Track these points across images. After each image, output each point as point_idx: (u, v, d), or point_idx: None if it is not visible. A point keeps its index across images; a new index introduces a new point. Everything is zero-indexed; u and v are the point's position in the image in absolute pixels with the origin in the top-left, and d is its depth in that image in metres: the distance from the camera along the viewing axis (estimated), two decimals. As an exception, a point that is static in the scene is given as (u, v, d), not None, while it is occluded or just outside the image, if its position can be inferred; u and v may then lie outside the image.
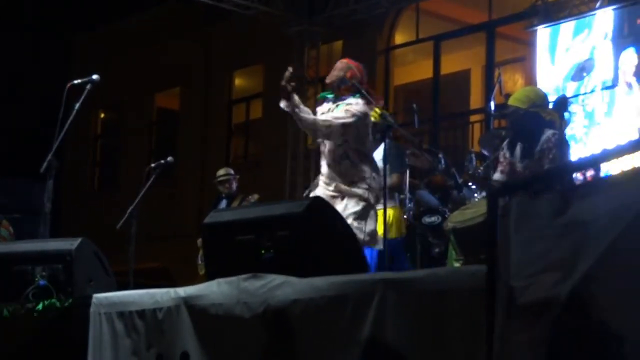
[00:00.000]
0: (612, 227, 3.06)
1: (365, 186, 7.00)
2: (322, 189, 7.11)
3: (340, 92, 7.15)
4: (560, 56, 13.37)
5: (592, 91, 12.37)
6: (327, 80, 7.29)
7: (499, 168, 7.54)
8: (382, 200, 7.24)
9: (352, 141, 6.99)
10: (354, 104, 7.01)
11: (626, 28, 12.86)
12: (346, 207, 6.90)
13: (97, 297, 5.86)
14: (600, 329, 3.01)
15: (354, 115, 6.93)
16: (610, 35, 12.80)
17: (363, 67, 7.35)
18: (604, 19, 13.02)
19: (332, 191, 7.03)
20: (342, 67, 7.21)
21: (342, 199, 7.00)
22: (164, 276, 18.16)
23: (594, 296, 3.04)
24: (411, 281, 4.40)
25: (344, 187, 7.00)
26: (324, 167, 7.16)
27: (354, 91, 7.12)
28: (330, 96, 7.27)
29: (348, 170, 7.02)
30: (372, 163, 7.15)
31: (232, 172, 12.36)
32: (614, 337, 2.98)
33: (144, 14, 21.88)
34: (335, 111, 7.06)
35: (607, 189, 3.24)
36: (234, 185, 12.16)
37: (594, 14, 13.09)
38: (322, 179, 7.18)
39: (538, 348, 3.18)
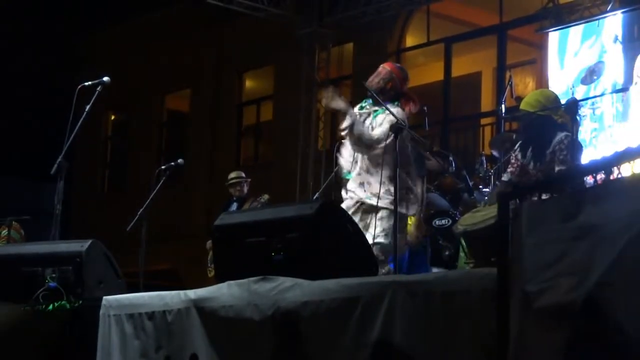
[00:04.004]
0: (625, 232, 3.04)
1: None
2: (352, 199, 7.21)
3: (379, 99, 7.26)
4: (569, 61, 13.36)
5: (602, 94, 12.33)
6: (368, 85, 7.35)
7: (509, 169, 7.51)
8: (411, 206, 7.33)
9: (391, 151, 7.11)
10: (395, 113, 7.10)
11: (636, 31, 12.82)
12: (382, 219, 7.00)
13: (107, 299, 5.86)
14: (618, 334, 2.99)
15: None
16: (620, 37, 12.77)
17: (403, 73, 7.58)
18: (613, 21, 12.99)
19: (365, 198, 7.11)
20: (384, 75, 7.32)
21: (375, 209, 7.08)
22: (173, 278, 18.16)
23: (610, 301, 3.03)
24: (421, 283, 4.39)
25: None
26: (361, 175, 7.22)
27: (392, 99, 7.27)
28: (368, 101, 7.41)
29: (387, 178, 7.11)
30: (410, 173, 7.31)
31: (243, 175, 12.36)
32: (632, 343, 2.96)
33: (153, 15, 21.89)
34: (373, 120, 7.20)
35: (619, 193, 3.23)
36: (246, 188, 12.17)
37: (605, 17, 13.06)
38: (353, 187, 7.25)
39: (557, 352, 3.16)
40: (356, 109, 7.41)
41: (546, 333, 3.23)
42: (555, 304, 3.20)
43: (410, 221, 8.66)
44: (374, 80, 7.36)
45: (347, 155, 7.46)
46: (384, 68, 7.45)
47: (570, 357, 3.15)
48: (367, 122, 7.27)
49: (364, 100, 7.48)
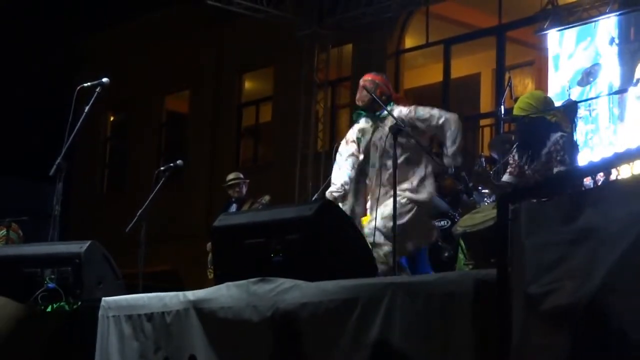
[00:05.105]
0: (627, 234, 3.04)
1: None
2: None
3: (375, 110, 7.40)
4: (564, 62, 13.36)
5: (598, 96, 12.33)
6: (359, 103, 7.52)
7: (508, 170, 7.51)
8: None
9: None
10: (403, 111, 7.27)
11: (632, 33, 12.82)
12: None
13: (106, 300, 5.86)
14: (621, 337, 2.99)
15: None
16: (616, 40, 12.78)
17: (384, 77, 7.71)
18: (608, 23, 12.99)
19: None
20: (369, 87, 7.38)
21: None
22: (173, 278, 18.15)
23: (614, 304, 3.02)
24: (420, 285, 4.39)
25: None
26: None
27: (386, 104, 7.36)
28: (364, 114, 7.52)
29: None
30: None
31: (242, 176, 12.34)
32: (634, 346, 2.96)
33: (153, 15, 21.89)
34: (382, 126, 7.31)
35: (619, 195, 3.22)
36: (244, 190, 12.15)
37: (604, 18, 13.06)
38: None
39: (560, 354, 3.16)
40: (355, 135, 7.49)
41: (550, 335, 3.23)
42: (559, 306, 3.20)
43: None
44: (362, 96, 7.44)
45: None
46: (365, 80, 7.55)
47: (574, 358, 3.15)
48: (376, 135, 7.35)
49: (358, 117, 7.55)
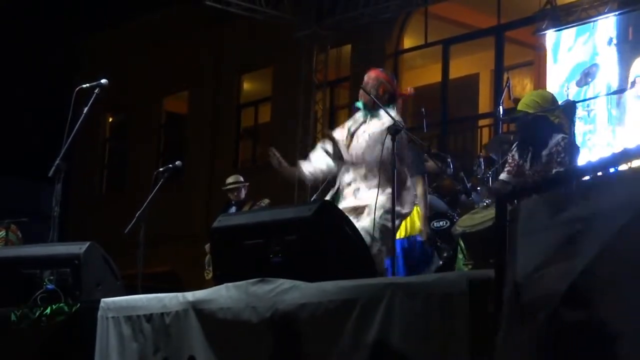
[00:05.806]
0: (613, 224, 3.05)
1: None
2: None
3: (374, 107, 7.25)
4: (563, 55, 13.38)
5: (596, 96, 12.35)
6: (361, 99, 7.37)
7: (507, 168, 7.50)
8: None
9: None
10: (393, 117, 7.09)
11: (631, 33, 12.85)
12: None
13: (105, 301, 5.87)
14: (599, 324, 2.99)
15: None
16: (614, 40, 12.80)
17: (389, 73, 7.59)
18: (606, 23, 13.01)
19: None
20: (373, 84, 7.31)
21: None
22: (172, 279, 18.17)
23: (593, 291, 3.02)
24: (419, 285, 4.40)
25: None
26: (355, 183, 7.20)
27: (388, 103, 7.26)
28: (361, 106, 7.40)
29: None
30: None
31: (241, 179, 12.30)
32: (613, 333, 2.96)
33: (153, 16, 21.89)
34: (370, 124, 7.19)
35: (609, 186, 3.23)
36: (243, 193, 12.10)
37: (602, 18, 13.08)
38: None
39: (536, 343, 3.17)
40: (350, 122, 7.43)
41: (529, 324, 3.23)
42: (538, 295, 3.20)
43: (418, 219, 8.72)
44: (363, 93, 7.35)
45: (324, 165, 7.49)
46: (369, 77, 7.41)
47: (551, 347, 3.15)
48: (362, 128, 7.26)
49: (356, 108, 7.49)
